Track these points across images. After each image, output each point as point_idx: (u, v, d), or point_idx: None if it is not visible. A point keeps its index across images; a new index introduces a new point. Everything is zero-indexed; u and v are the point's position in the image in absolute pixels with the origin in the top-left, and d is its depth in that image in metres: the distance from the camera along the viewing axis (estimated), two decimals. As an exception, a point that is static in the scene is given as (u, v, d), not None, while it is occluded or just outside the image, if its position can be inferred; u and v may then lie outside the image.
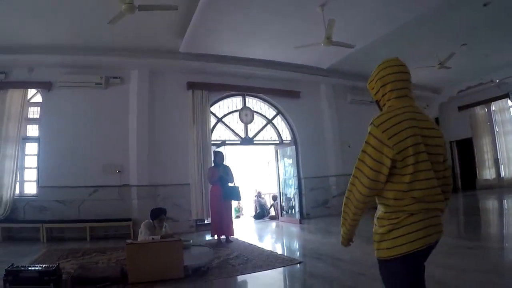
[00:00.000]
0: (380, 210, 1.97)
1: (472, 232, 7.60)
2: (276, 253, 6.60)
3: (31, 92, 9.57)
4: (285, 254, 6.57)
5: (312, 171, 11.38)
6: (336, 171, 11.69)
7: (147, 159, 9.42)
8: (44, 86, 9.21)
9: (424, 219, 1.82)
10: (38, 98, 9.57)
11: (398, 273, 1.88)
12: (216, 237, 8.02)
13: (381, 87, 2.03)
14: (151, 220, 5.71)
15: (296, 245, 8.02)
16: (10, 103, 8.99)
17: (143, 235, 5.44)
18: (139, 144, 9.42)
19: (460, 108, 15.42)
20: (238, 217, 13.18)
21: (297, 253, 6.98)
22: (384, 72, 2.02)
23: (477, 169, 15.00)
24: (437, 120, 15.60)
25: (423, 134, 1.87)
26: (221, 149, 9.69)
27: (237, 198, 8.41)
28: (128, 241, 4.89)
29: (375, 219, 1.98)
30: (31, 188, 9.33)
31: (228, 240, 7.92)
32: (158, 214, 5.73)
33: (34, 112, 9.62)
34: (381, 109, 2.06)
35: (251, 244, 7.55)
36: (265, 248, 7.01)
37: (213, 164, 8.49)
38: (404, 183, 1.82)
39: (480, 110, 14.95)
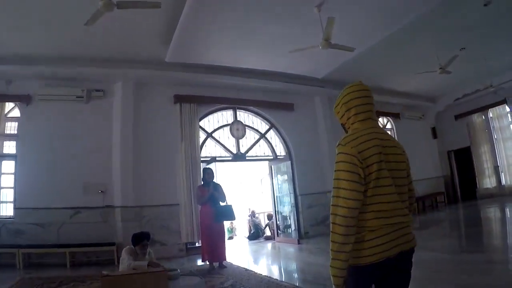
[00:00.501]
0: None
1: (475, 245, 7.33)
2: (276, 279, 5.95)
3: (9, 106, 9.01)
4: (285, 281, 5.92)
5: (309, 187, 10.82)
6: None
7: (132, 178, 8.83)
8: (22, 99, 8.67)
9: (384, 234, 1.91)
10: (16, 113, 8.97)
11: (355, 281, 1.96)
12: (207, 262, 7.37)
13: (346, 111, 2.12)
14: (133, 246, 5.07)
15: (296, 269, 7.34)
16: None
17: (125, 263, 4.79)
18: (123, 162, 8.85)
19: (457, 117, 15.19)
20: (231, 238, 12.59)
21: (299, 280, 6.33)
22: (348, 96, 2.10)
23: (476, 178, 14.69)
24: (434, 130, 15.29)
25: (385, 152, 1.98)
26: (211, 166, 9.09)
27: (231, 217, 7.64)
28: (104, 272, 4.24)
29: None
30: (7, 210, 8.73)
31: (221, 266, 7.29)
32: (140, 239, 5.06)
33: (11, 128, 9.04)
34: (347, 132, 2.15)
35: (247, 270, 6.92)
36: (262, 274, 6.39)
37: (201, 183, 7.91)
38: (365, 197, 1.90)
39: (477, 118, 14.73)
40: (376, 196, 1.91)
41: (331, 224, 1.92)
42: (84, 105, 8.92)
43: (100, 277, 4.21)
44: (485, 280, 4.59)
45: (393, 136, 13.83)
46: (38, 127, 8.66)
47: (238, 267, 7.26)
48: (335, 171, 1.95)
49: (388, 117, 14.28)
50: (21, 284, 6.13)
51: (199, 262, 8.05)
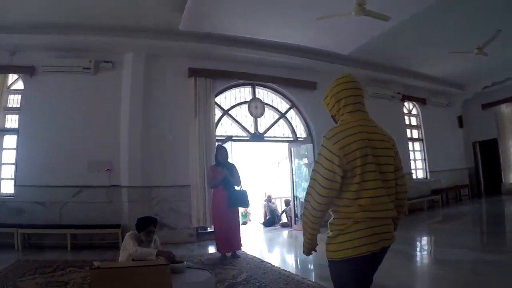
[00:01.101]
0: (331, 216, 2.11)
1: (496, 244, 6.78)
2: (297, 275, 5.17)
3: (12, 78, 8.60)
4: (305, 277, 5.09)
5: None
6: None
7: (141, 156, 8.19)
8: (26, 70, 8.14)
9: (369, 227, 1.96)
10: (20, 85, 8.54)
11: (343, 274, 2.03)
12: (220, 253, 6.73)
13: (336, 102, 2.14)
14: (137, 232, 4.37)
15: (315, 263, 6.23)
16: None
17: (130, 250, 4.07)
18: (132, 138, 8.22)
19: (485, 106, 14.27)
20: (245, 223, 11.80)
21: (320, 276, 5.29)
22: (338, 88, 2.14)
23: (502, 172, 13.77)
24: (460, 118, 14.40)
25: (372, 145, 2.01)
26: (226, 145, 8.37)
27: (245, 204, 6.95)
28: (95, 263, 3.53)
29: (328, 224, 2.12)
30: (7, 187, 8.30)
31: (234, 255, 6.61)
32: (146, 224, 4.30)
33: (14, 101, 8.60)
34: (336, 123, 2.16)
35: (262, 261, 6.19)
36: (281, 268, 5.60)
37: (214, 163, 7.13)
38: (351, 191, 1.97)
39: (506, 108, 13.77)
40: (363, 191, 1.96)
41: (303, 208, 2.12)
42: (92, 77, 8.33)
43: (89, 269, 3.47)
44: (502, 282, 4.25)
45: (419, 122, 13.61)
46: (42, 100, 8.16)
47: (253, 258, 6.53)
48: (315, 161, 2.06)
49: (413, 102, 13.40)
50: (15, 267, 5.66)
51: (210, 249, 7.46)
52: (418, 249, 7.01)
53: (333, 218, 2.09)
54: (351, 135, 1.98)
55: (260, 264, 5.97)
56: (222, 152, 6.88)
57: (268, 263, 6.00)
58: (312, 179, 2.02)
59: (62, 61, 8.11)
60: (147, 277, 3.38)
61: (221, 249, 6.65)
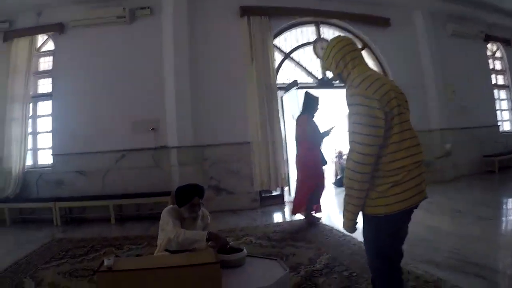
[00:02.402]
0: (376, 173, 1.96)
1: None
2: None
3: (41, 40, 7.82)
4: (412, 263, 3.39)
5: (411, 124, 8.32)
6: (440, 124, 8.76)
7: (190, 111, 7.00)
8: (55, 29, 7.38)
9: (417, 175, 1.96)
10: (50, 46, 7.73)
11: (384, 229, 2.00)
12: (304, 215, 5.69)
13: (341, 59, 2.11)
14: (177, 206, 3.12)
15: (413, 238, 4.32)
16: (15, 55, 7.32)
17: (170, 233, 2.87)
18: (179, 93, 7.03)
19: None
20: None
21: (421, 257, 3.65)
22: (337, 47, 2.14)
23: None
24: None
25: (397, 97, 1.98)
26: (292, 93, 6.95)
27: (324, 161, 5.96)
28: (106, 262, 2.22)
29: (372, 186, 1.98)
30: (46, 157, 7.58)
31: (312, 221, 5.51)
32: (188, 196, 3.06)
33: (45, 64, 7.84)
34: (344, 81, 2.15)
35: (344, 235, 4.58)
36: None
37: (303, 112, 5.77)
38: (395, 143, 1.93)
39: None
40: (404, 142, 1.95)
41: (346, 170, 1.98)
42: (127, 27, 7.30)
43: (96, 271, 2.26)
44: None
45: (504, 66, 11.60)
46: (75, 59, 7.29)
47: (331, 230, 5.04)
48: (351, 114, 1.96)
49: (498, 43, 11.31)
50: (44, 249, 4.86)
51: (276, 218, 6.35)
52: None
53: (383, 171, 1.95)
54: (383, 85, 1.95)
55: (342, 240, 4.48)
56: (315, 101, 5.70)
57: (353, 237, 4.31)
58: (354, 133, 1.93)
59: (93, 12, 7.19)
60: (184, 283, 2.18)
61: (317, 211, 5.73)
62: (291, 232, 5.06)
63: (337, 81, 2.26)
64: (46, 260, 4.30)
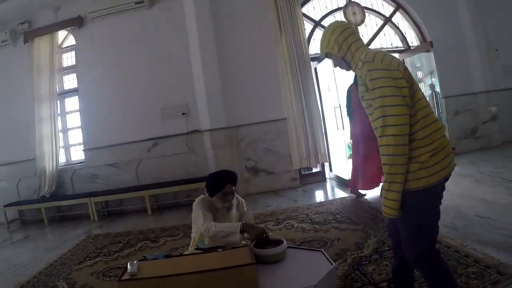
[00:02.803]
0: (412, 144, 1.84)
1: None
2: (453, 241, 3.12)
3: (62, 37, 7.72)
4: (475, 247, 2.94)
5: (454, 88, 7.70)
6: (484, 86, 7.90)
7: (221, 91, 6.61)
8: (74, 23, 7.21)
9: (447, 143, 1.90)
10: (71, 41, 7.60)
11: (428, 202, 1.89)
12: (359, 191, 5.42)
13: (343, 42, 2.05)
14: (209, 196, 2.82)
15: (465, 214, 3.85)
16: (38, 55, 7.24)
17: (202, 225, 2.59)
18: (207, 73, 6.61)
19: None
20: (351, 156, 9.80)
21: (479, 238, 3.16)
22: (337, 31, 2.07)
23: None
24: None
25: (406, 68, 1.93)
26: (324, 64, 6.50)
27: None
28: (129, 267, 2.00)
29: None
30: (78, 153, 7.58)
31: (360, 196, 5.34)
32: (220, 184, 2.75)
33: (69, 60, 7.71)
34: (349, 65, 2.08)
35: None
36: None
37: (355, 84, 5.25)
38: (420, 110, 1.85)
39: None
40: (427, 107, 1.89)
41: (384, 148, 1.81)
42: (147, 12, 6.98)
43: (118, 280, 1.99)
44: None
45: None
46: (97, 51, 7.14)
47: (377, 208, 4.52)
48: (374, 89, 1.84)
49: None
50: (79, 248, 4.75)
51: (318, 197, 5.99)
52: None
53: (419, 141, 1.84)
54: (387, 53, 1.92)
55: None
56: None
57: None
58: (382, 107, 1.78)
59: (110, 1, 6.93)
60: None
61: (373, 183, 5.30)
62: (334, 213, 4.61)
63: (337, 67, 2.17)
64: (80, 260, 4.18)
